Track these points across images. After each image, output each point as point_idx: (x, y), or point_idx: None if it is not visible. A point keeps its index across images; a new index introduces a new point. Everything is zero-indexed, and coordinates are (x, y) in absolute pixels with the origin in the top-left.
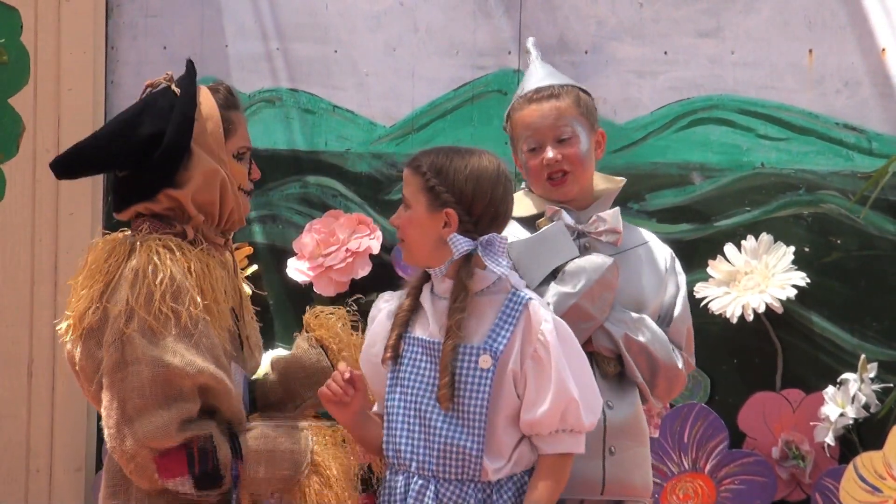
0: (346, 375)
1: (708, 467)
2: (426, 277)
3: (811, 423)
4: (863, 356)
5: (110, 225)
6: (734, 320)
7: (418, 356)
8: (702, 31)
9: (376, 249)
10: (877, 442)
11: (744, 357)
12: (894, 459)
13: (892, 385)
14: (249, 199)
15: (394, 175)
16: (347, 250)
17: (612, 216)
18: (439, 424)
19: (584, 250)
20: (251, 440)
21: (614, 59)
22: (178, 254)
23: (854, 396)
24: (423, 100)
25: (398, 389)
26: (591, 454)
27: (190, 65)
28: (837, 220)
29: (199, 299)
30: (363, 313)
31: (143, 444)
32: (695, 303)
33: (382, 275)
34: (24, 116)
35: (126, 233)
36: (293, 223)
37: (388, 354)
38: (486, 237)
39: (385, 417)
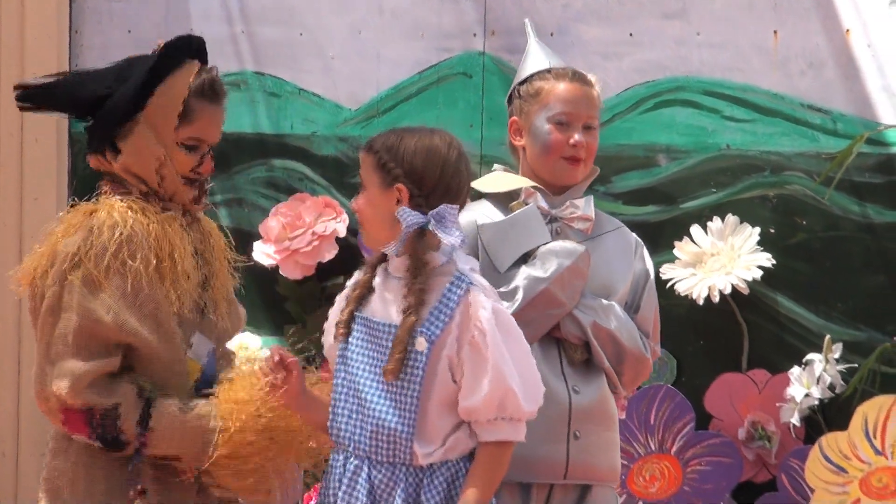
0: (276, 358)
1: (674, 448)
2: (384, 257)
3: (777, 404)
4: (828, 337)
5: None
6: (700, 302)
7: (362, 335)
8: (667, 13)
9: (342, 232)
10: (842, 422)
11: (710, 338)
12: (859, 439)
13: (856, 365)
14: (198, 187)
15: (359, 158)
16: (314, 233)
17: (584, 203)
18: (373, 405)
19: (555, 235)
20: (161, 415)
21: (580, 41)
22: (139, 215)
23: (819, 377)
24: (388, 83)
25: (343, 368)
26: (555, 438)
27: (179, 39)
28: (802, 201)
29: (152, 261)
30: (330, 298)
31: (54, 392)
32: (661, 284)
33: (349, 258)
34: None
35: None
36: (259, 206)
37: (340, 331)
38: (436, 210)
39: (332, 396)
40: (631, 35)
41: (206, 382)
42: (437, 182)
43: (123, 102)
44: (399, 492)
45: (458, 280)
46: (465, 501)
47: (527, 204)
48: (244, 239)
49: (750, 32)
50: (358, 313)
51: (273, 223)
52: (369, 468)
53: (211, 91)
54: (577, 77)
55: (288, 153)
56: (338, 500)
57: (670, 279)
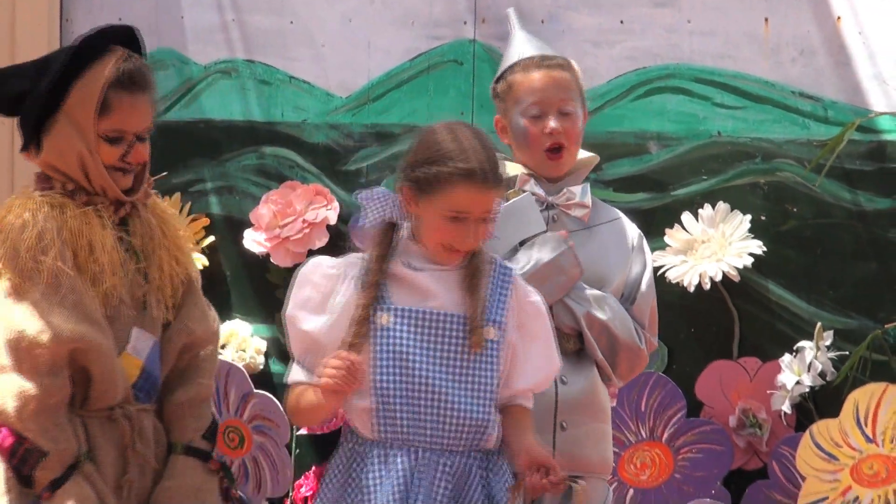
0: (349, 364)
1: (665, 436)
2: (387, 248)
3: (768, 392)
4: (819, 324)
5: None
6: (691, 289)
7: (412, 329)
8: (658, 1)
9: (333, 220)
10: (833, 410)
11: (701, 326)
12: (850, 427)
13: (847, 353)
14: (134, 175)
15: (350, 146)
16: (304, 221)
17: (581, 191)
18: (452, 398)
19: (551, 223)
20: (71, 492)
21: (571, 29)
22: (54, 211)
23: (810, 364)
24: (379, 70)
25: (392, 362)
26: (541, 428)
27: (99, 31)
28: (793, 188)
29: (69, 255)
30: None
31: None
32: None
33: (339, 245)
34: None
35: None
36: (250, 194)
37: (363, 330)
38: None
39: (374, 392)
40: (622, 23)
41: (148, 379)
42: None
43: (41, 98)
44: (477, 478)
45: (502, 268)
46: (530, 441)
47: (523, 192)
48: (235, 226)
49: (741, 20)
50: (394, 306)
51: (264, 211)
52: (444, 459)
53: (129, 81)
54: (545, 64)
55: (279, 141)
56: (407, 496)
57: (661, 266)
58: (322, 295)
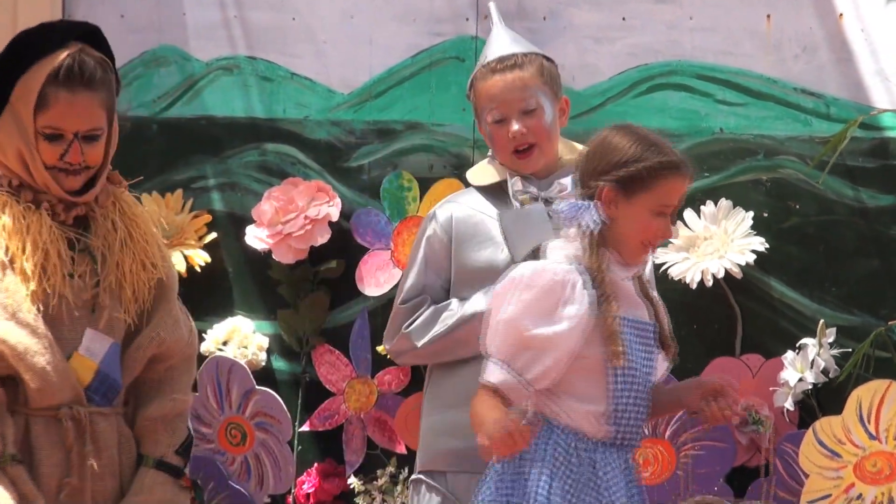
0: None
1: (668, 433)
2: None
3: (770, 389)
4: (821, 321)
5: None
6: (693, 286)
7: (632, 337)
8: None
9: (335, 216)
10: (836, 407)
11: (703, 323)
12: (853, 424)
13: (850, 350)
14: (85, 176)
15: (352, 142)
16: (306, 217)
17: (571, 183)
18: (647, 398)
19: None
20: None
21: (572, 26)
22: None
23: (813, 361)
24: (380, 67)
25: (622, 371)
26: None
27: (56, 25)
28: (796, 185)
29: (0, 256)
30: (323, 282)
31: None
32: (654, 268)
33: (341, 242)
34: None
35: None
36: (252, 191)
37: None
38: None
39: (613, 397)
40: (623, 19)
41: (105, 381)
42: None
43: None
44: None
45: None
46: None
47: (528, 193)
48: (237, 223)
49: (742, 16)
50: (623, 316)
51: (266, 207)
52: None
53: (67, 77)
54: (500, 67)
55: (280, 137)
56: (622, 495)
57: (663, 263)
58: (552, 302)
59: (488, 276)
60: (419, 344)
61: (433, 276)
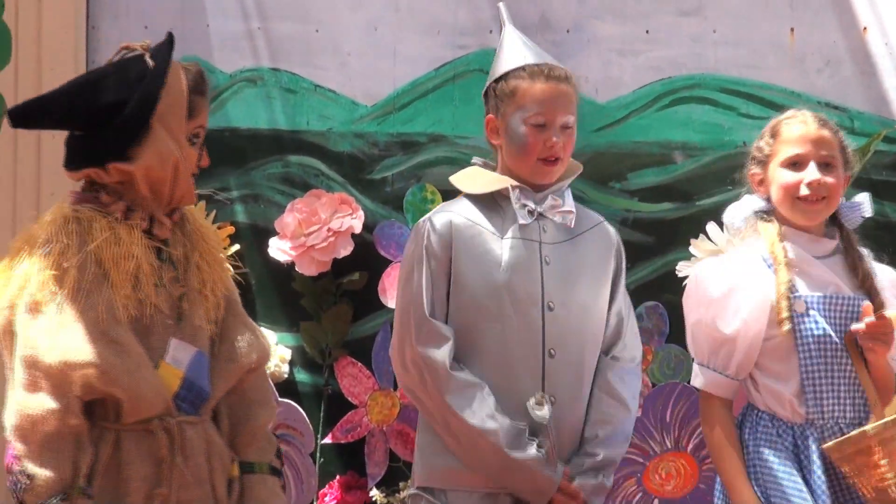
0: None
1: (690, 446)
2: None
3: None
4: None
5: None
6: None
7: (832, 313)
8: (683, 10)
9: (358, 229)
10: None
11: None
12: None
13: None
14: (194, 182)
15: (375, 154)
16: (329, 230)
17: (566, 196)
18: (853, 378)
19: (542, 232)
20: None
21: (596, 38)
22: (83, 224)
23: None
24: (404, 79)
25: (811, 346)
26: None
27: (169, 38)
28: None
29: (90, 270)
30: (345, 294)
31: (7, 419)
32: (677, 282)
33: (364, 254)
34: (6, 96)
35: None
36: (275, 203)
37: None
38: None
39: (804, 375)
40: (647, 32)
41: (192, 389)
42: None
43: (143, 107)
44: None
45: (869, 252)
46: None
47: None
48: (260, 235)
49: (766, 30)
50: (802, 296)
51: (289, 219)
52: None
53: (203, 85)
54: (553, 76)
55: (304, 149)
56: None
57: (686, 276)
58: (731, 296)
59: (485, 296)
60: (452, 410)
61: (440, 289)
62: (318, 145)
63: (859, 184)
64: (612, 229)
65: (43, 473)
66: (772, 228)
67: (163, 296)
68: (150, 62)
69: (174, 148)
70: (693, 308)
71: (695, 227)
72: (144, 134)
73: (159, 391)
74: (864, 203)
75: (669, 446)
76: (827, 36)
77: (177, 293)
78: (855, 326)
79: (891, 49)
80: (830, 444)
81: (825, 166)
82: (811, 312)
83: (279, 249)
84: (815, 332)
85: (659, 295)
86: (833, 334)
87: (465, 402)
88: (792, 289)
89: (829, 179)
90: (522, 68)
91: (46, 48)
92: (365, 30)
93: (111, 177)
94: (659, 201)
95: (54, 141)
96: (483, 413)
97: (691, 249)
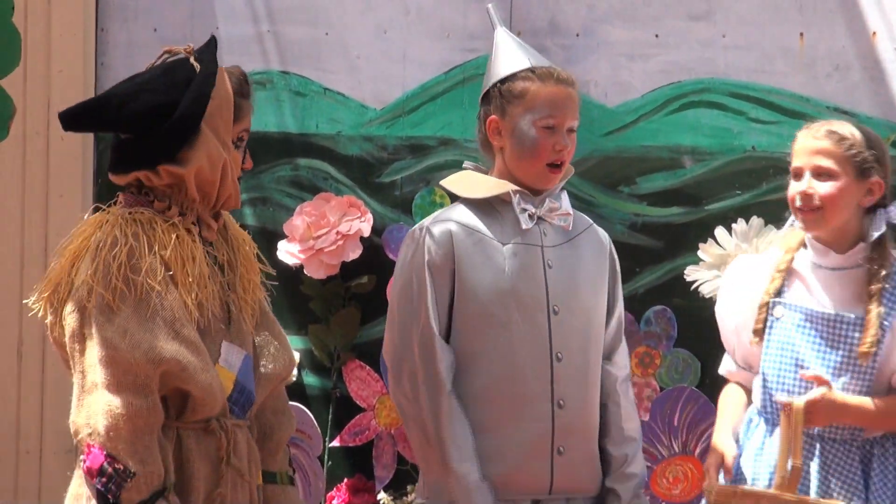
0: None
1: (698, 450)
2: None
3: None
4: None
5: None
6: None
7: (798, 323)
8: (693, 15)
9: (367, 232)
10: None
11: None
12: None
13: None
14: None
15: (384, 157)
16: (338, 233)
17: (563, 199)
18: (807, 385)
19: (543, 236)
20: None
21: (605, 43)
22: (145, 227)
23: None
24: (413, 83)
25: (777, 351)
26: (539, 455)
27: (213, 41)
28: None
29: (160, 270)
30: (354, 297)
31: (88, 424)
32: (685, 286)
33: (373, 257)
34: (15, 98)
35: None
36: (284, 206)
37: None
38: None
39: (761, 377)
40: (657, 36)
41: (242, 392)
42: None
43: (194, 109)
44: (857, 465)
45: None
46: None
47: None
48: (269, 238)
49: (775, 34)
50: (784, 301)
51: (298, 222)
52: (821, 446)
53: (247, 87)
54: (562, 79)
55: (313, 152)
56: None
57: (695, 281)
58: (734, 292)
59: (491, 303)
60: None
61: (443, 300)
62: (328, 148)
63: None
64: (602, 231)
65: (143, 469)
66: (794, 236)
67: (216, 299)
68: (196, 65)
69: (222, 151)
70: (718, 298)
71: (703, 231)
72: (195, 136)
73: (222, 391)
74: (891, 211)
75: (677, 450)
76: (836, 41)
77: (226, 297)
78: (781, 399)
79: None
80: (720, 486)
81: (820, 175)
82: (785, 320)
83: (288, 252)
84: (780, 339)
85: (667, 299)
86: (799, 346)
87: (456, 433)
88: (780, 292)
89: (823, 189)
90: (531, 70)
91: (56, 51)
92: (374, 33)
93: (161, 179)
94: (668, 205)
95: (63, 143)
96: (466, 451)
97: (700, 254)
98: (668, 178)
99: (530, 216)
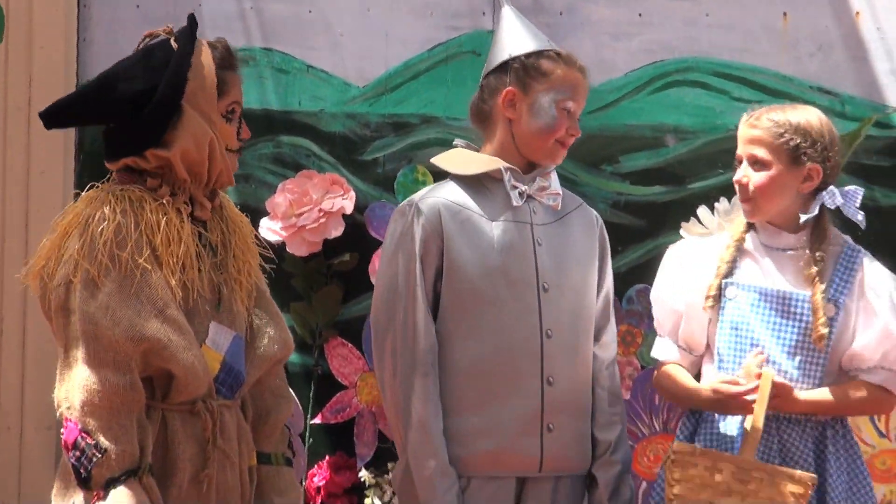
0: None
1: (678, 429)
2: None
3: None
4: None
5: (82, 183)
6: None
7: (752, 303)
8: None
9: (349, 210)
10: None
11: None
12: (863, 422)
13: None
14: (237, 157)
15: (367, 135)
16: (320, 210)
17: (552, 179)
18: (787, 368)
19: (532, 214)
20: (125, 494)
21: (589, 21)
22: (135, 204)
23: None
24: (396, 60)
25: (730, 331)
26: (529, 431)
27: (191, 20)
28: None
29: (145, 249)
30: (336, 275)
31: (68, 398)
32: None
33: (355, 235)
34: None
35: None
36: (266, 183)
37: (711, 297)
38: (851, 188)
39: (716, 356)
40: (640, 15)
41: (230, 373)
42: (837, 158)
43: (171, 92)
44: (810, 445)
45: (851, 249)
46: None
47: (517, 188)
48: (251, 215)
49: (759, 14)
50: (736, 282)
51: (280, 200)
52: (777, 424)
53: (231, 59)
54: (582, 68)
55: (296, 130)
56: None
57: None
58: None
59: (480, 279)
60: (410, 419)
61: (430, 277)
62: (310, 126)
63: (850, 168)
64: (592, 210)
65: (115, 447)
66: (741, 219)
67: (204, 280)
68: (175, 45)
69: (207, 128)
70: (655, 284)
71: (686, 210)
72: (177, 118)
73: (207, 372)
74: (826, 196)
75: (658, 429)
76: (819, 21)
77: (217, 278)
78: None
79: (882, 34)
80: (679, 445)
81: (755, 164)
82: (738, 299)
83: (270, 230)
84: (734, 319)
85: (649, 277)
86: (754, 325)
87: (425, 418)
88: (730, 273)
89: (756, 178)
90: (557, 52)
91: (37, 26)
92: (358, 10)
93: (149, 163)
94: (650, 184)
95: None
96: (432, 438)
97: (682, 232)
98: (650, 156)
99: (520, 194)
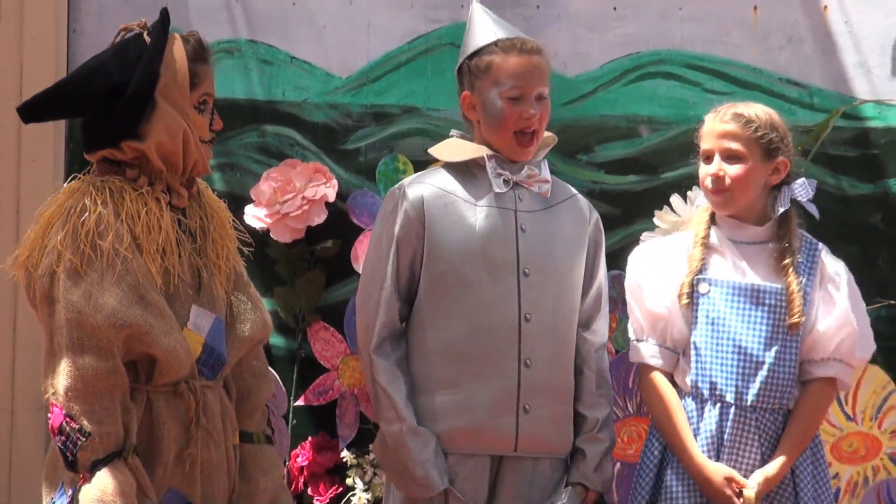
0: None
1: None
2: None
3: None
4: None
5: (72, 170)
6: None
7: (727, 297)
8: None
9: (332, 197)
10: None
11: None
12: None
13: None
14: (210, 147)
15: (349, 125)
16: (304, 198)
17: (542, 167)
18: (763, 359)
19: (518, 201)
20: (108, 476)
21: (566, 14)
22: (115, 195)
23: None
24: (378, 52)
25: (706, 326)
26: (504, 411)
27: (164, 14)
28: None
29: (126, 238)
30: (319, 261)
31: (53, 384)
32: None
33: (338, 222)
34: None
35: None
36: (251, 171)
37: (686, 293)
38: (809, 180)
39: (693, 353)
40: (615, 9)
41: (212, 355)
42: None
43: (144, 86)
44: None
45: (809, 241)
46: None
47: (501, 175)
48: (236, 203)
49: (731, 7)
50: (708, 278)
51: (265, 187)
52: (757, 416)
53: (203, 52)
54: (525, 49)
55: (280, 119)
56: (721, 447)
57: None
58: (650, 269)
59: (460, 262)
60: (383, 389)
61: (405, 258)
62: (294, 116)
63: (818, 159)
64: (586, 202)
65: (100, 430)
66: (704, 214)
67: (185, 265)
68: (148, 39)
69: (181, 120)
70: (628, 288)
71: (659, 198)
72: (150, 110)
73: (189, 354)
74: (795, 188)
75: (632, 411)
76: (789, 14)
77: (197, 263)
78: None
79: (850, 28)
80: None
81: (730, 158)
82: (712, 295)
83: (255, 217)
84: (710, 314)
85: (623, 264)
86: (730, 319)
87: (385, 381)
88: (701, 269)
89: (732, 171)
90: (495, 43)
91: (28, 17)
92: (340, 3)
93: (126, 154)
94: (625, 174)
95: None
96: (397, 400)
97: (655, 220)
98: (625, 146)
99: (505, 181)
